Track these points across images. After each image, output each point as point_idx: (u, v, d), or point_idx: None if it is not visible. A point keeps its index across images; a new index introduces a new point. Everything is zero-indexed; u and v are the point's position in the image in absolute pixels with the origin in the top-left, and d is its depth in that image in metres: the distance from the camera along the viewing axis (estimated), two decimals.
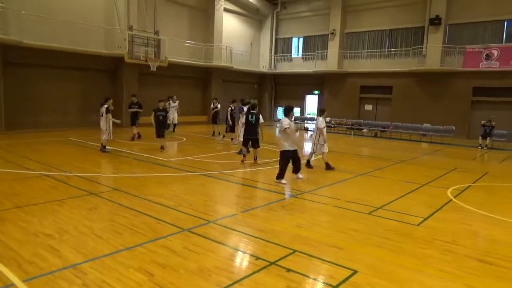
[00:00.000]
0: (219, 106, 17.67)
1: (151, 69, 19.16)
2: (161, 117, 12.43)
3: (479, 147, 17.31)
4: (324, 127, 10.40)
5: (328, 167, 10.45)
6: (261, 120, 10.81)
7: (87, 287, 3.71)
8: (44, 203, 6.43)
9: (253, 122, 10.73)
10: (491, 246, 5.34)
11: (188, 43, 23.70)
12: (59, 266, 4.13)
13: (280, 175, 8.66)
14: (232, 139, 15.25)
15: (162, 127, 12.56)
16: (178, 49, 22.52)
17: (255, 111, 10.82)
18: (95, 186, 7.72)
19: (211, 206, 6.81)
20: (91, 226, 5.43)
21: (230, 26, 26.88)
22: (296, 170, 9.11)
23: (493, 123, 17.44)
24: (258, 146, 10.99)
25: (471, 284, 4.12)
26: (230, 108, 15.05)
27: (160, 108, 12.55)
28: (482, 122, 17.75)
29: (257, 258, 4.54)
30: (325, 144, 10.45)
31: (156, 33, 19.92)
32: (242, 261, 4.62)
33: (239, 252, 4.85)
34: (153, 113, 12.37)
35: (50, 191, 7.18)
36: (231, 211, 6.49)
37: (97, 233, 5.15)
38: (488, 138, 17.39)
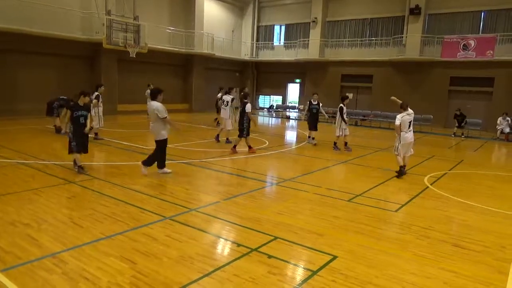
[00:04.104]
0: (219, 95, 17.20)
1: (131, 56, 18.75)
2: (82, 119, 7.68)
3: (453, 135, 17.81)
4: (345, 113, 11.70)
5: (347, 147, 12.04)
6: (248, 109, 10.68)
7: (67, 276, 3.68)
8: (21, 192, 6.29)
9: (241, 111, 10.80)
10: (464, 231, 5.54)
11: (168, 29, 23.28)
12: (38, 255, 4.07)
13: (163, 164, 7.96)
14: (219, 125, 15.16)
15: (80, 136, 7.69)
16: (158, 35, 22.11)
17: (246, 101, 10.77)
18: (74, 174, 7.58)
19: (193, 194, 6.80)
20: (70, 215, 5.35)
21: (212, 13, 26.51)
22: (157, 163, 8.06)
23: (464, 113, 18.02)
24: (242, 135, 10.79)
25: (446, 267, 4.28)
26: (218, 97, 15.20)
27: (81, 104, 7.82)
28: (456, 112, 18.30)
29: (239, 245, 4.59)
30: (347, 128, 11.88)
31: (136, 18, 19.44)
32: (224, 248, 4.65)
33: (221, 239, 4.88)
34: (67, 111, 7.75)
35: (27, 180, 7.02)
36: (213, 199, 6.50)
37: (77, 222, 5.09)
38: (460, 127, 18.00)
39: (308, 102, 13.51)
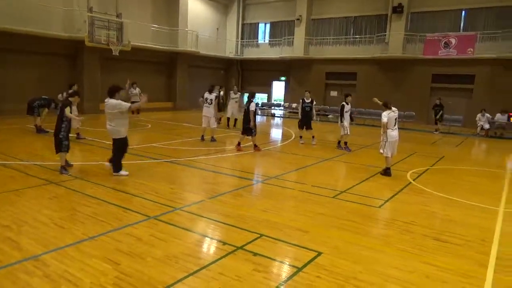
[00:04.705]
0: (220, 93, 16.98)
1: (114, 54, 18.47)
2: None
3: (436, 132, 18.15)
4: (347, 111, 11.64)
5: (345, 147, 11.99)
6: (252, 108, 10.74)
7: (48, 278, 3.61)
8: (0, 193, 6.14)
9: (247, 110, 10.87)
10: (446, 225, 5.64)
11: (152, 27, 23.01)
12: (18, 258, 3.98)
13: (120, 167, 7.59)
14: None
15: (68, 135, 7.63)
16: (142, 33, 21.83)
17: (252, 99, 10.91)
18: (55, 175, 7.43)
19: (177, 193, 6.76)
20: (51, 216, 5.25)
21: (196, 10, 26.32)
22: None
23: (443, 104, 18.40)
24: (250, 134, 10.90)
25: (428, 261, 4.36)
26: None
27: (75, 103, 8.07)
28: (436, 102, 18.63)
29: (224, 244, 4.58)
30: (348, 127, 11.80)
31: (118, 15, 19.13)
32: (209, 247, 4.64)
33: (206, 238, 4.86)
34: (56, 110, 7.70)
35: (7, 181, 6.85)
36: (198, 198, 6.47)
37: (58, 223, 4.99)
38: (439, 122, 18.33)
39: (301, 100, 12.87)
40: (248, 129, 10.86)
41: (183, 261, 4.08)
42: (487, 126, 17.77)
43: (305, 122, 12.68)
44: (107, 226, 4.95)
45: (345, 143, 12.01)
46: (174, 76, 25.03)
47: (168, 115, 21.04)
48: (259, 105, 27.97)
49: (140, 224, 5.06)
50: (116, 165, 7.55)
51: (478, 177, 9.19)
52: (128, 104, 7.34)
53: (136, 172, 7.84)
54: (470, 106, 20.63)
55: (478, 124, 18.01)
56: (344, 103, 11.64)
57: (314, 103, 12.87)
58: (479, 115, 18.08)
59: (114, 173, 7.53)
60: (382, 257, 4.42)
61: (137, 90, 17.17)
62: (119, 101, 7.26)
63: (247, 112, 10.87)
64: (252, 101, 10.83)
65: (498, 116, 17.98)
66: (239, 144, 11.09)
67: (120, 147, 7.51)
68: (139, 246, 4.39)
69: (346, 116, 11.65)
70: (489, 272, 4.17)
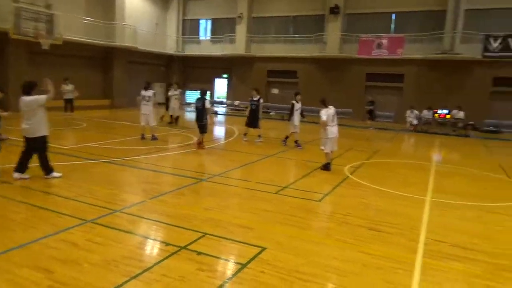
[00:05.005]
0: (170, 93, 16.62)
1: (43, 47, 17.24)
2: None
3: (371, 128, 19.22)
4: (297, 109, 11.89)
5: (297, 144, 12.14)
6: (207, 105, 10.81)
7: None
8: None
9: (200, 107, 10.82)
10: (380, 215, 6.01)
11: (86, 19, 21.77)
12: None
13: (51, 168, 7.11)
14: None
15: None
16: (75, 26, 20.55)
17: (204, 97, 10.96)
18: None
19: (116, 194, 6.49)
20: None
21: (134, 4, 25.34)
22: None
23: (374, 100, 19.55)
24: (204, 132, 10.99)
25: (364, 250, 4.61)
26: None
27: None
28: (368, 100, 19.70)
29: (167, 244, 4.49)
30: (298, 125, 12.09)
31: (48, 7, 17.90)
32: (151, 248, 4.52)
33: (148, 239, 4.73)
34: None
35: None
36: (139, 199, 6.27)
37: None
38: (371, 119, 19.44)
39: (250, 99, 12.82)
40: (201, 126, 10.90)
41: (123, 265, 3.94)
42: (415, 122, 19.18)
43: (251, 120, 12.71)
44: (39, 232, 4.62)
45: (296, 141, 12.11)
46: (111, 72, 23.93)
47: (105, 113, 20.10)
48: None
49: (76, 229, 4.79)
50: (46, 167, 7.02)
51: (408, 169, 9.89)
52: (45, 96, 6.72)
53: (71, 174, 7.41)
54: (401, 103, 22.11)
55: (408, 120, 19.38)
56: (294, 101, 11.90)
57: (261, 101, 12.90)
58: (408, 112, 19.45)
59: (45, 176, 7.04)
60: (323, 249, 4.61)
61: (70, 86, 16.19)
62: (35, 97, 6.74)
63: (201, 109, 10.86)
64: (205, 98, 10.94)
65: (425, 112, 19.48)
66: (199, 142, 11.00)
67: (42, 147, 6.96)
68: (75, 252, 4.16)
69: (296, 114, 11.89)
70: (418, 257, 4.52)
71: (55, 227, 4.80)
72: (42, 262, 3.89)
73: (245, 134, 13.07)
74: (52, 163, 7.18)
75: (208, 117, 11.04)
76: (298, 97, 12.06)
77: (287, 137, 12.38)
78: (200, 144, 10.95)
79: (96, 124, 15.65)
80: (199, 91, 11.37)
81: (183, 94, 16.07)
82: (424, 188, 7.84)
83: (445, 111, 18.80)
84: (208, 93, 29.15)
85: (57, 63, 20.01)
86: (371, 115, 19.65)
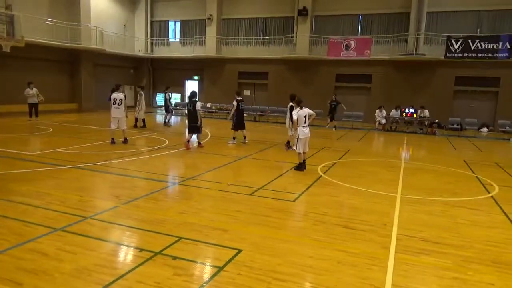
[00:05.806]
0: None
1: (4, 50, 16.51)
2: None
3: (334, 128, 19.10)
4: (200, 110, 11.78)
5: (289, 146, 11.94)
6: (198, 107, 11.31)
7: None
8: None
9: (191, 109, 11.28)
10: (353, 213, 6.13)
11: (49, 21, 21.05)
12: None
13: None
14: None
15: None
16: (38, 27, 19.85)
17: (194, 99, 11.36)
18: None
19: (87, 201, 6.30)
20: None
21: (100, 6, 24.74)
22: None
23: (338, 100, 19.71)
24: (199, 132, 11.65)
25: (339, 248, 4.69)
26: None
27: None
28: (332, 98, 19.76)
29: (141, 250, 4.40)
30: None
31: (8, 7, 17.18)
32: (125, 255, 4.41)
33: (121, 246, 4.62)
34: None
35: None
36: (111, 204, 6.10)
37: None
38: (333, 119, 19.50)
39: (235, 101, 12.54)
40: (196, 127, 11.45)
41: (96, 273, 3.83)
42: (383, 121, 19.71)
43: (240, 121, 12.71)
44: (5, 243, 4.42)
45: (288, 142, 11.99)
46: (78, 75, 23.29)
47: (72, 117, 19.47)
48: (173, 105, 27.39)
49: (45, 238, 4.61)
50: None
51: (378, 167, 10.14)
52: None
53: (37, 181, 7.13)
54: (369, 103, 22.67)
55: (377, 120, 19.88)
56: (292, 103, 11.33)
57: (243, 102, 12.92)
58: (377, 111, 19.96)
59: None
60: (299, 249, 4.65)
61: (34, 90, 15.62)
62: None
63: (192, 112, 11.28)
64: (196, 101, 11.29)
65: (393, 112, 20.05)
66: (188, 141, 11.57)
67: None
68: (45, 262, 4.00)
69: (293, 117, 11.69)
70: (391, 252, 4.64)
71: (22, 237, 4.60)
72: (9, 274, 3.72)
73: (233, 138, 12.87)
74: (18, 171, 6.88)
75: (200, 118, 11.51)
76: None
77: (289, 142, 12.04)
78: (199, 144, 11.75)
79: (63, 128, 15.14)
80: (188, 93, 11.80)
81: (141, 96, 15.50)
82: (395, 185, 8.07)
83: (412, 110, 19.43)
84: (178, 95, 28.91)
85: (20, 66, 19.25)
86: (332, 114, 19.67)
